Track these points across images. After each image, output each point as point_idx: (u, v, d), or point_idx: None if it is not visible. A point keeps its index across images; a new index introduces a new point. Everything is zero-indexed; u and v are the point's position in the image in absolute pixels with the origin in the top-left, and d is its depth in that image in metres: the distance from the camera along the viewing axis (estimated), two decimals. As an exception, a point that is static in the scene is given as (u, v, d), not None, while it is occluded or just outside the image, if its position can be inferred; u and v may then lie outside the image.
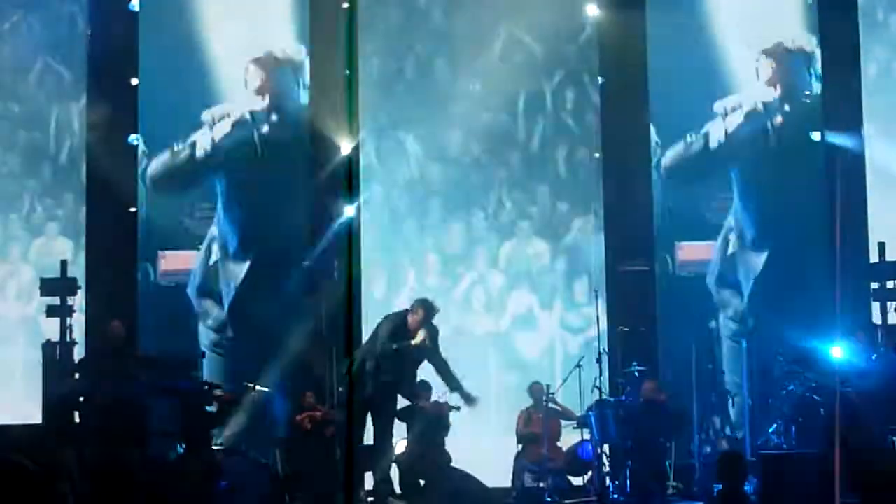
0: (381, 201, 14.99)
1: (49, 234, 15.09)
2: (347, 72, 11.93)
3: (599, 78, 14.74)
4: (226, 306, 14.53)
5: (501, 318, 14.93)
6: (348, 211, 12.21)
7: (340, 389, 13.00)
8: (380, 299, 14.70)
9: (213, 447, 12.09)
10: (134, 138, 14.60)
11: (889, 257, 13.84)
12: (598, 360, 12.92)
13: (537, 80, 14.89)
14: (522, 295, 14.91)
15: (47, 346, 13.03)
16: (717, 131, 14.40)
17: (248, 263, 14.48)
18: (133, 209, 14.52)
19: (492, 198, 14.96)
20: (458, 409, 12.95)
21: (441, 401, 12.99)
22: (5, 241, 15.08)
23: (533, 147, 15.01)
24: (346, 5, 12.99)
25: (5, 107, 15.13)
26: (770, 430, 12.55)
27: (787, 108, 14.40)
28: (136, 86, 14.57)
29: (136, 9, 14.74)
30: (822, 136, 14.24)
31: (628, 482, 11.74)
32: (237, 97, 14.60)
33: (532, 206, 14.97)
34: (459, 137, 14.86)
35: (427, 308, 12.35)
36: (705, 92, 14.48)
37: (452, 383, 12.21)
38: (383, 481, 12.23)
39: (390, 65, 14.94)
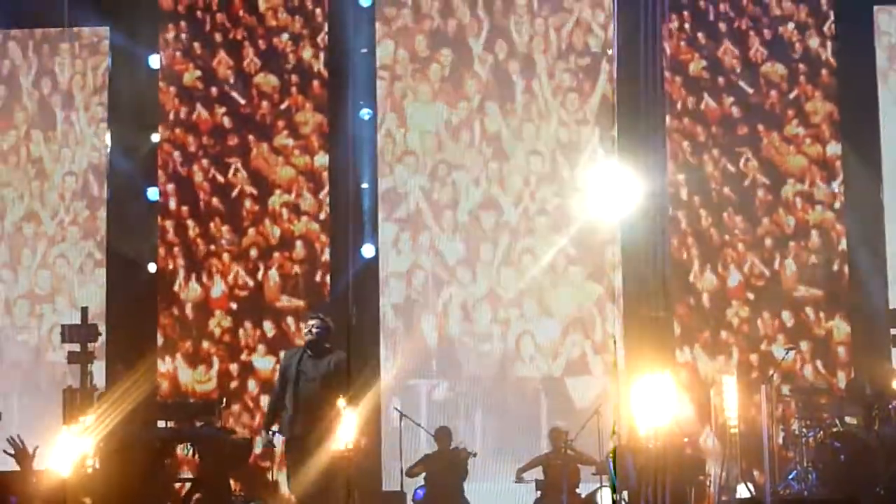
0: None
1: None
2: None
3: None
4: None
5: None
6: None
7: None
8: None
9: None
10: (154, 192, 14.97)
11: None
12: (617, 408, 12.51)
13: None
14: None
15: (67, 392, 13.05)
16: None
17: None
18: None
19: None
20: (475, 455, 13.13)
21: (460, 447, 13.16)
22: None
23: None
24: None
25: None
26: (790, 477, 12.48)
27: None
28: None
29: (157, 66, 15.12)
30: None
31: (648, 529, 11.69)
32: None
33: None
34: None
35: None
36: None
37: None
38: None
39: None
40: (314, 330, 11.49)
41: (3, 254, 15.26)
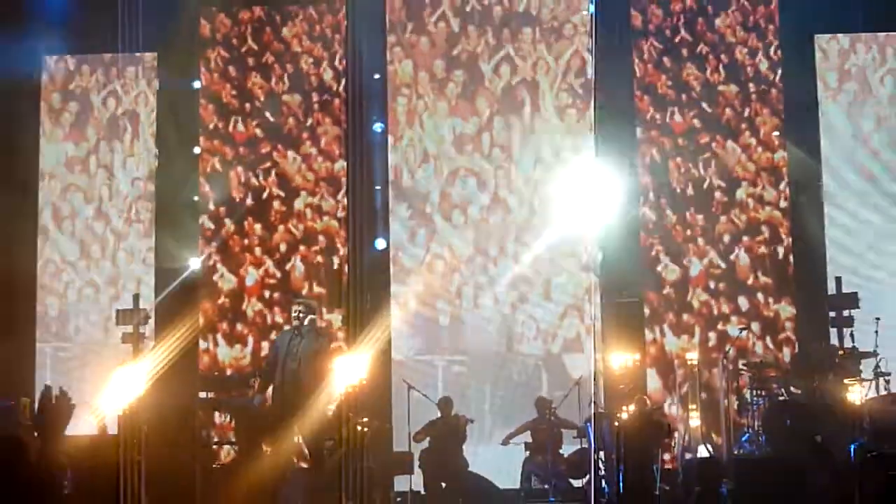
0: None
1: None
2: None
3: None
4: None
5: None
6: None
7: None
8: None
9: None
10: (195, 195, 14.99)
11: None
12: (595, 379, 12.83)
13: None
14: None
15: (120, 369, 12.90)
16: None
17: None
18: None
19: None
20: (472, 421, 13.18)
21: (460, 415, 13.16)
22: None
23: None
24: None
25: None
26: (743, 439, 12.42)
27: None
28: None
29: (198, 86, 15.09)
30: None
31: (621, 484, 11.60)
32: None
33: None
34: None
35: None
36: None
37: None
38: None
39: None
40: (300, 315, 11.73)
41: (76, 248, 15.07)
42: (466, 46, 15.10)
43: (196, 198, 14.96)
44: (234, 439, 13.10)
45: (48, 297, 15.06)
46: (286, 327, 13.20)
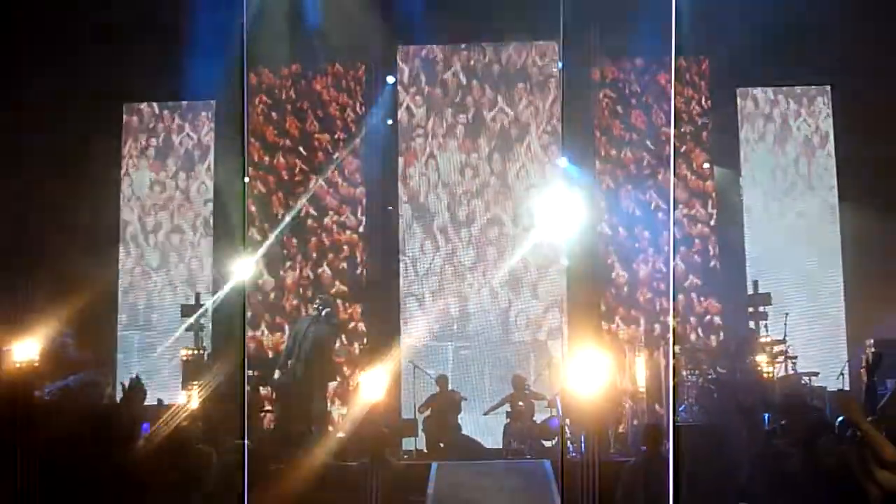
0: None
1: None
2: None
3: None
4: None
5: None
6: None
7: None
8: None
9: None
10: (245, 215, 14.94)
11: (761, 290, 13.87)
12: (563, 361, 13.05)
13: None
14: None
15: (186, 355, 13.22)
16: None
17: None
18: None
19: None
20: (465, 399, 13.12)
21: (455, 391, 13.17)
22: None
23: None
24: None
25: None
26: (681, 409, 12.39)
27: None
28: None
29: (247, 126, 14.81)
30: None
31: (583, 445, 11.72)
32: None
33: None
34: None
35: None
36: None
37: None
38: None
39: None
40: (319, 307, 11.88)
41: (157, 257, 15.11)
42: (471, 96, 15.10)
43: (246, 216, 14.70)
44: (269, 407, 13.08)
45: (137, 294, 15.05)
46: (303, 315, 13.45)
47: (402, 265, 14.84)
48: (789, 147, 14.83)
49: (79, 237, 13.87)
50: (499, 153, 15.04)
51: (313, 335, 11.69)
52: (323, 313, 11.86)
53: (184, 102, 15.38)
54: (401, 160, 14.94)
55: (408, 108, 15.05)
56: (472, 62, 15.13)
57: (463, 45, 15.15)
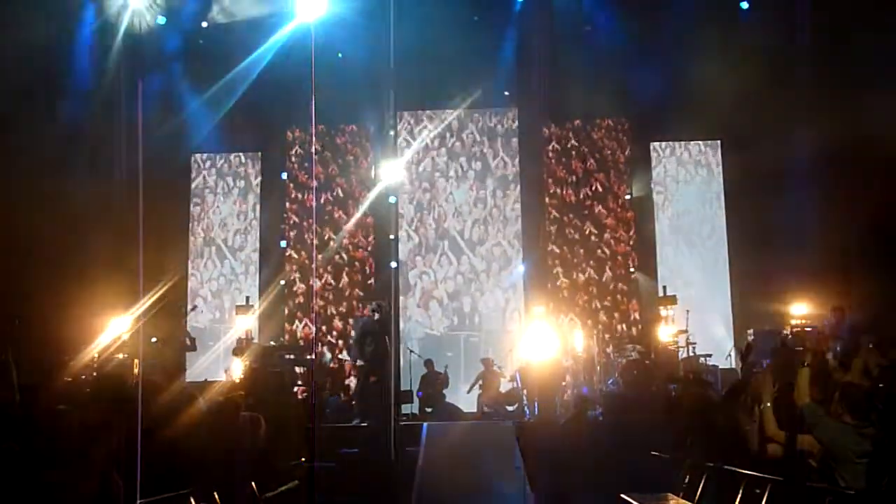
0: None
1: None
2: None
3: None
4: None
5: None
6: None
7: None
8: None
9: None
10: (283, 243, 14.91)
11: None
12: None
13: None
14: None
15: (237, 342, 13.14)
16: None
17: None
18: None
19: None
20: (447, 380, 12.94)
21: (441, 370, 13.10)
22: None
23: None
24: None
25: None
26: (609, 382, 12.46)
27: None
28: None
29: (285, 174, 14.92)
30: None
31: (536, 409, 11.81)
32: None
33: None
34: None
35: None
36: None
37: None
38: None
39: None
40: (374, 312, 11.51)
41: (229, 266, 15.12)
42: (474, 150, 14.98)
43: (283, 241, 15.01)
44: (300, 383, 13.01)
45: (208, 297, 15.00)
46: (358, 314, 13.47)
47: (422, 278, 14.72)
48: (692, 187, 14.74)
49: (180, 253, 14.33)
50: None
51: (376, 333, 11.36)
52: (376, 316, 11.54)
53: (236, 153, 15.43)
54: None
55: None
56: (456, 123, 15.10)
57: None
